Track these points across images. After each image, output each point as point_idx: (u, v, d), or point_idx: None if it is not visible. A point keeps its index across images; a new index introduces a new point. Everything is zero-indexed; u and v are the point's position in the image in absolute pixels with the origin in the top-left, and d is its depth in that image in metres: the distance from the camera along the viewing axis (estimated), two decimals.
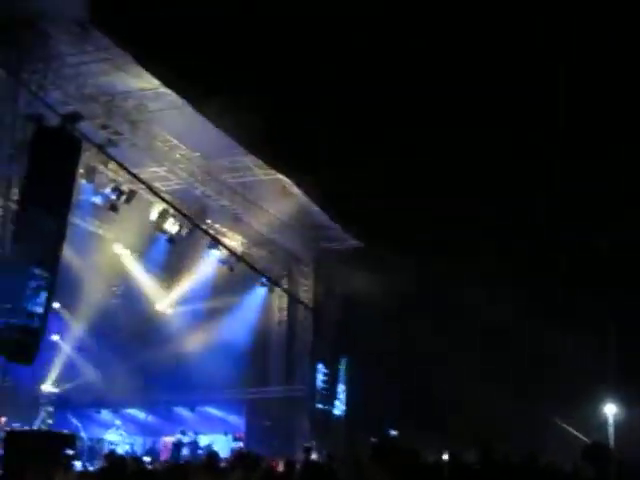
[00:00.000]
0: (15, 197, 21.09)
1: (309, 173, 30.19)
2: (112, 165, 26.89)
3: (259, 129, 25.60)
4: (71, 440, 22.91)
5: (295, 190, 32.00)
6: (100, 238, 32.74)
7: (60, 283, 21.46)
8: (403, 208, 31.46)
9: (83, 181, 26.16)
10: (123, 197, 28.13)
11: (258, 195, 32.55)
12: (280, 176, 31.02)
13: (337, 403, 36.65)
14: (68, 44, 22.60)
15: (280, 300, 38.09)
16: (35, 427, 28.49)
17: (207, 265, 34.36)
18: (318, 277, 37.73)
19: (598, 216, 32.46)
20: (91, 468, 23.18)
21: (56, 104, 21.26)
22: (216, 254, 33.17)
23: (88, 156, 25.41)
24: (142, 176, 26.40)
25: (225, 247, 31.80)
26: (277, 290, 36.66)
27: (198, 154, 29.65)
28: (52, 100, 21.70)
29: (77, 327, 33.46)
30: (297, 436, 35.50)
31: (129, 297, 35.36)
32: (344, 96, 28.62)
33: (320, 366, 36.35)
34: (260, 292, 36.35)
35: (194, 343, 35.27)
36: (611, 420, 33.05)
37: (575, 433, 32.11)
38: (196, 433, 32.27)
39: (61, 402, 31.82)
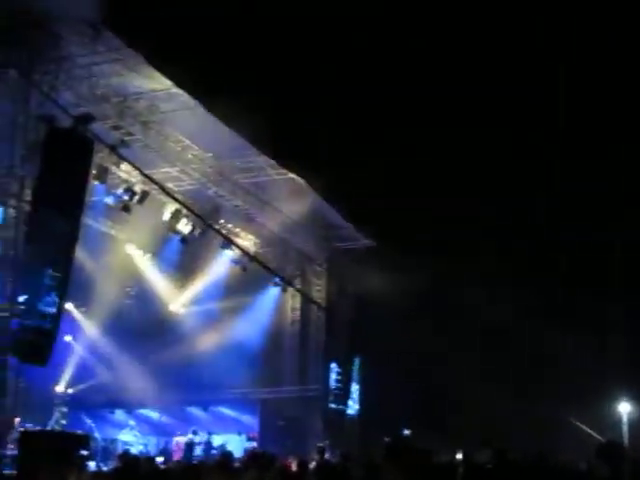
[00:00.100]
0: (28, 198, 21.11)
1: (321, 173, 30.18)
2: (124, 166, 26.92)
3: (271, 129, 25.60)
4: (85, 440, 22.95)
5: (308, 190, 31.97)
6: (113, 239, 32.79)
7: (73, 284, 21.52)
8: (414, 208, 31.42)
9: (95, 182, 26.16)
10: (136, 198, 28.13)
11: (271, 195, 32.55)
12: (293, 176, 31.01)
13: (350, 403, 36.64)
14: (80, 45, 22.63)
15: (293, 300, 38.09)
16: (49, 427, 28.53)
17: (220, 265, 34.36)
18: (331, 277, 37.71)
19: (598, 216, 32.39)
20: (105, 468, 23.19)
21: (68, 105, 21.30)
22: (229, 254, 33.16)
23: (100, 157, 25.44)
24: (155, 177, 26.46)
25: (238, 247, 31.81)
26: (290, 290, 36.65)
27: (210, 154, 29.65)
28: (64, 101, 21.75)
29: (90, 328, 33.50)
30: (310, 436, 35.46)
31: (142, 297, 35.40)
32: (354, 96, 28.62)
33: (333, 366, 36.35)
34: (273, 292, 36.33)
35: (207, 343, 35.28)
36: (625, 418, 32.98)
37: (589, 432, 32.02)
38: (210, 433, 32.27)
39: (75, 402, 31.82)
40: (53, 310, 20.04)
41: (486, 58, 28.88)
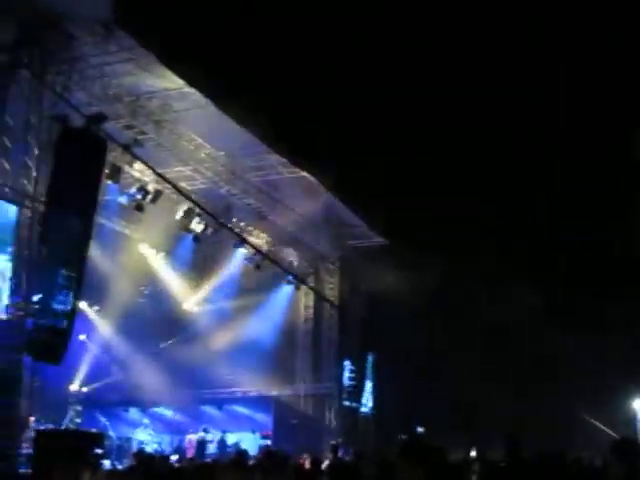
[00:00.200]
0: (42, 198, 21.17)
1: (333, 171, 30.20)
2: (137, 165, 26.98)
3: (282, 127, 25.63)
4: (99, 439, 23.04)
5: (320, 188, 32.00)
6: (126, 238, 32.85)
7: (87, 283, 21.57)
8: (426, 206, 31.42)
9: (108, 182, 26.22)
10: (149, 197, 28.18)
11: (283, 193, 32.60)
12: (304, 174, 31.03)
13: (364, 400, 36.65)
14: (92, 45, 22.70)
15: (306, 298, 38.13)
16: (64, 426, 28.62)
17: (233, 264, 34.40)
18: (344, 275, 37.74)
19: (598, 216, 32.34)
20: (119, 467, 23.26)
21: (81, 105, 21.33)
22: (242, 252, 33.20)
23: (113, 156, 25.49)
24: (167, 176, 26.50)
25: (251, 245, 31.85)
26: (303, 288, 36.67)
27: (223, 153, 29.70)
28: (77, 101, 21.79)
29: (104, 327, 33.60)
30: (324, 434, 35.53)
31: (156, 296, 35.47)
32: (365, 95, 28.64)
33: (347, 363, 36.38)
34: (286, 290, 36.35)
35: (221, 341, 35.34)
36: (639, 415, 32.94)
37: (604, 429, 31.99)
38: (224, 431, 32.33)
39: (89, 401, 31.93)
40: (67, 309, 20.08)
41: (486, 58, 28.86)
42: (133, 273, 33.44)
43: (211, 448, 31.37)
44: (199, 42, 23.25)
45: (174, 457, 26.56)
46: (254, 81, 25.36)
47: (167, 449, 31.68)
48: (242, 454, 16.38)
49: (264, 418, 35.39)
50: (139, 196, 28.08)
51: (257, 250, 32.23)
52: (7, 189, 21.56)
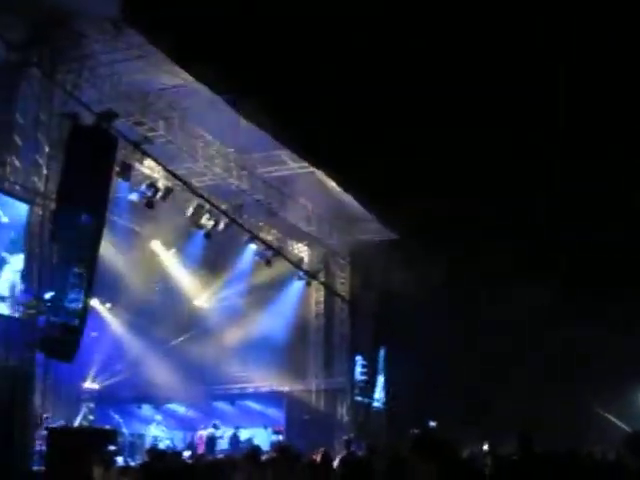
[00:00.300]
0: (53, 196, 21.23)
1: (344, 166, 30.20)
2: (147, 162, 27.01)
3: (292, 123, 25.65)
4: (112, 436, 23.10)
5: (330, 183, 32.02)
6: (137, 235, 32.90)
7: (98, 280, 21.62)
8: (437, 202, 31.41)
9: (119, 179, 26.26)
10: (159, 194, 28.21)
11: (294, 189, 32.63)
12: (314, 169, 31.06)
13: (376, 395, 36.67)
14: (102, 43, 22.73)
15: (317, 293, 38.14)
16: (77, 423, 28.73)
17: (244, 260, 34.44)
18: (355, 270, 37.73)
19: (598, 216, 32.31)
20: (132, 463, 23.32)
21: (91, 103, 21.38)
22: (253, 248, 33.22)
23: (124, 154, 25.54)
24: (178, 172, 26.54)
25: (262, 241, 31.86)
26: (314, 283, 36.67)
27: (233, 149, 29.73)
28: (87, 99, 21.83)
29: (116, 324, 33.71)
30: (336, 429, 35.56)
31: (168, 293, 35.55)
32: (375, 94, 28.65)
33: (358, 358, 36.40)
34: (297, 286, 36.34)
35: (233, 338, 35.41)
36: None
37: (617, 423, 31.99)
38: (236, 427, 32.41)
39: (102, 398, 32.05)
40: (79, 306, 20.15)
41: (486, 58, 28.82)
42: (144, 270, 33.52)
43: (221, 444, 31.46)
44: (208, 39, 23.27)
45: (187, 453, 26.66)
46: (264, 77, 25.37)
47: (180, 445, 31.77)
48: (255, 450, 16.45)
49: (276, 413, 35.52)
50: (149, 193, 28.07)
51: (268, 246, 32.25)
52: (18, 187, 21.63)
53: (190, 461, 21.25)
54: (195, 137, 28.30)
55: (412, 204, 30.54)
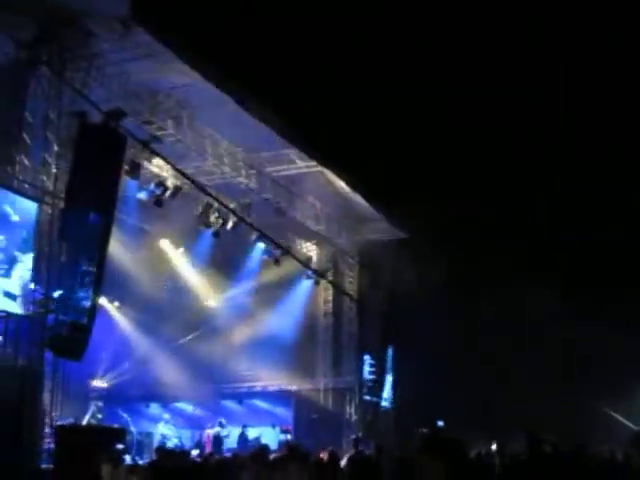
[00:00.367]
0: (61, 195, 21.26)
1: (352, 165, 30.19)
2: (156, 161, 27.05)
3: (301, 122, 25.65)
4: (121, 434, 23.13)
5: (339, 182, 32.03)
6: (146, 234, 32.93)
7: (107, 279, 21.62)
8: (446, 201, 31.40)
9: (127, 178, 26.29)
10: (168, 192, 28.24)
11: (302, 188, 32.66)
12: (323, 169, 31.08)
13: (384, 394, 36.65)
14: (110, 42, 22.75)
15: (326, 292, 38.16)
16: (85, 422, 28.78)
17: (253, 258, 34.47)
18: (363, 269, 37.73)
19: (598, 216, 32.27)
20: (140, 462, 23.37)
21: (100, 101, 21.37)
22: (261, 247, 33.25)
23: (132, 153, 25.58)
24: (186, 171, 26.56)
25: (270, 240, 31.86)
26: (323, 282, 36.69)
27: (241, 148, 29.77)
28: (96, 97, 21.83)
29: (125, 322, 33.76)
30: (345, 428, 35.59)
31: (176, 292, 35.58)
32: (382, 92, 28.63)
33: (367, 357, 36.38)
34: (306, 285, 36.37)
35: (241, 336, 35.46)
36: None
37: (624, 422, 31.95)
38: (244, 426, 32.42)
39: (110, 397, 32.10)
40: (88, 305, 20.13)
41: (486, 58, 28.80)
42: (153, 269, 33.57)
43: (227, 442, 31.48)
44: (217, 38, 23.26)
45: (195, 452, 26.71)
46: (273, 76, 25.36)
47: (188, 444, 31.82)
48: (263, 449, 16.48)
49: (284, 412, 35.51)
50: (158, 192, 28.12)
51: (276, 245, 32.26)
52: (27, 185, 21.67)
53: (198, 460, 21.29)
54: (204, 136, 28.33)
55: (421, 203, 30.54)
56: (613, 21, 27.19)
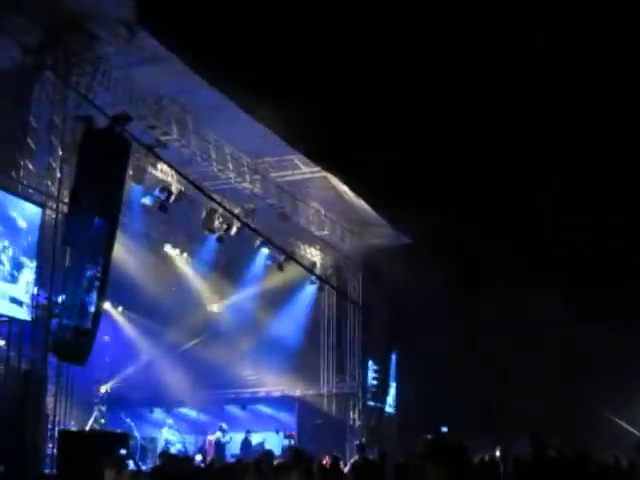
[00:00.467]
0: (66, 199, 21.26)
1: (356, 170, 30.21)
2: (161, 166, 27.08)
3: (305, 127, 25.65)
4: (124, 439, 23.09)
5: (343, 187, 32.04)
6: (150, 238, 32.91)
7: (112, 284, 21.63)
8: (448, 206, 31.41)
9: (132, 182, 26.32)
10: (172, 197, 28.27)
11: (306, 193, 32.67)
12: (327, 174, 31.10)
13: (388, 400, 36.63)
14: (115, 46, 22.75)
15: (329, 298, 38.13)
16: (88, 427, 28.75)
17: (257, 264, 34.49)
18: (367, 274, 37.71)
19: (598, 216, 32.27)
20: (144, 467, 23.34)
21: (105, 106, 21.38)
22: (265, 253, 33.28)
23: (137, 157, 25.61)
24: (190, 176, 26.55)
25: (274, 245, 31.87)
26: (326, 288, 36.68)
27: (246, 153, 29.78)
28: (101, 102, 21.84)
29: (128, 327, 33.75)
30: (348, 433, 35.58)
31: (180, 297, 35.55)
32: (387, 99, 28.65)
33: (370, 363, 36.38)
34: (309, 290, 36.40)
35: (245, 342, 35.45)
36: None
37: (628, 428, 31.88)
38: (248, 431, 32.38)
39: (114, 401, 32.08)
40: (92, 310, 20.14)
41: (486, 58, 28.84)
42: (157, 274, 33.54)
43: (229, 448, 31.45)
44: (222, 42, 23.30)
45: (198, 457, 26.70)
46: (277, 81, 25.40)
47: (191, 449, 31.81)
48: (267, 454, 16.45)
49: (288, 418, 35.48)
50: (163, 197, 28.15)
51: (280, 250, 32.27)
52: (31, 190, 21.67)
53: (202, 465, 21.28)
54: (208, 141, 28.34)
55: (424, 208, 30.54)
56: (613, 21, 27.25)
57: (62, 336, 20.05)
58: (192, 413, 36.02)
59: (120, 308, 33.14)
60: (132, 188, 26.84)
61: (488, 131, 31.09)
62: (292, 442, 32.37)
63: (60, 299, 20.37)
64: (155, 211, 29.15)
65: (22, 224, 20.66)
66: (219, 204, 28.78)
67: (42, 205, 21.48)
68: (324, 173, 31.13)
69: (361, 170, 30.03)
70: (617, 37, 28.10)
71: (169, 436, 31.60)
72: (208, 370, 34.32)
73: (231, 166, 29.61)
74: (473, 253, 33.15)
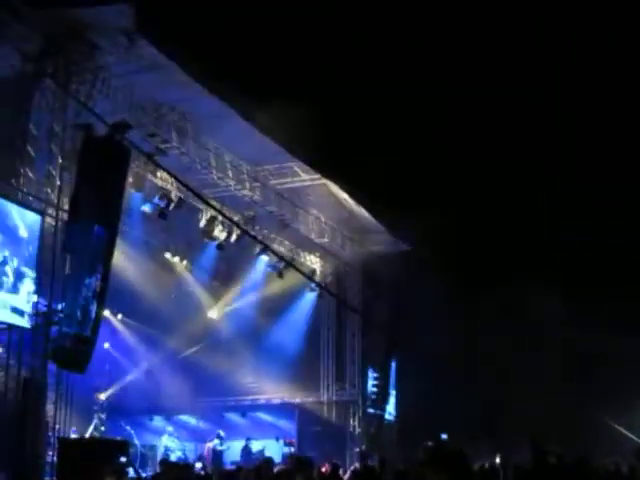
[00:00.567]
0: (65, 207, 21.28)
1: (356, 177, 30.24)
2: (160, 173, 27.11)
3: (305, 135, 25.69)
4: (124, 447, 23.07)
5: (342, 195, 32.06)
6: (150, 246, 32.92)
7: (111, 291, 21.64)
8: (449, 212, 31.42)
9: (132, 190, 26.36)
10: (172, 205, 28.29)
11: (306, 200, 32.68)
12: (326, 181, 31.13)
13: (388, 407, 36.61)
14: (115, 54, 22.79)
15: (329, 305, 38.10)
16: (88, 434, 28.74)
17: (256, 271, 34.51)
18: (367, 281, 37.69)
19: (598, 216, 32.29)
20: (144, 475, 23.32)
21: (104, 114, 21.40)
22: (265, 260, 33.30)
23: (137, 165, 25.65)
24: (190, 184, 26.56)
25: (274, 253, 31.88)
26: (326, 295, 36.66)
27: (245, 160, 29.80)
28: (100, 110, 21.86)
29: (129, 334, 33.76)
30: (348, 441, 35.56)
31: (180, 304, 35.55)
32: (387, 106, 28.69)
33: (370, 370, 36.36)
34: (309, 297, 36.38)
35: (244, 349, 35.42)
36: None
37: (628, 435, 31.85)
38: (248, 438, 32.37)
39: (114, 409, 32.07)
40: (92, 317, 20.14)
41: (486, 58, 28.90)
42: (157, 281, 33.55)
43: (225, 455, 31.44)
44: (221, 50, 23.37)
45: (198, 465, 26.69)
46: (276, 88, 25.46)
47: (191, 457, 31.79)
48: (268, 461, 16.45)
49: (288, 425, 35.49)
50: (162, 204, 28.18)
51: (280, 258, 32.28)
52: (31, 198, 21.68)
53: (202, 472, 21.26)
54: (208, 149, 28.35)
55: (424, 212, 30.55)
56: (613, 21, 27.31)
57: (62, 344, 20.06)
58: (192, 420, 36.02)
59: (120, 315, 33.14)
60: (132, 195, 26.89)
61: (488, 131, 31.13)
62: (292, 449, 32.38)
63: (60, 307, 20.38)
64: (155, 218, 29.18)
65: (23, 234, 20.67)
66: (219, 211, 28.80)
67: (42, 213, 21.48)
68: (324, 180, 31.15)
69: (360, 177, 30.07)
70: (617, 37, 28.17)
71: (169, 443, 31.60)
72: (208, 377, 34.33)
73: (231, 174, 29.62)
74: (473, 255, 33.15)
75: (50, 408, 21.52)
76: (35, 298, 20.85)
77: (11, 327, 20.56)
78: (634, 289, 31.80)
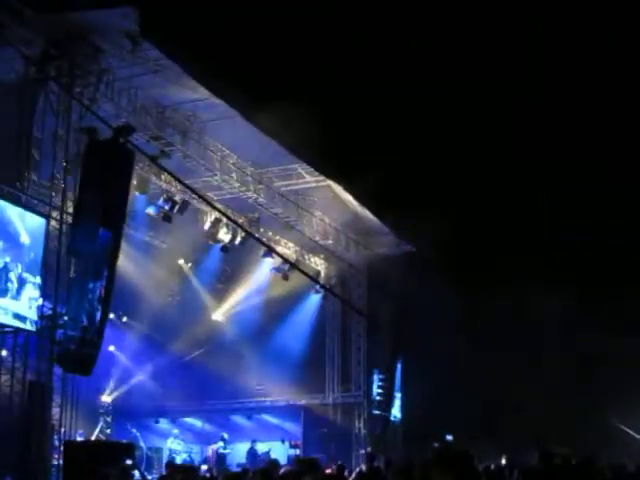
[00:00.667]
0: (70, 210, 21.29)
1: (360, 179, 30.21)
2: (165, 176, 27.13)
3: (309, 137, 25.68)
4: (130, 450, 23.08)
5: (347, 196, 32.03)
6: (155, 248, 32.96)
7: (116, 294, 21.65)
8: (454, 213, 31.39)
9: (136, 193, 26.37)
10: (176, 207, 28.31)
11: (310, 202, 32.66)
12: (331, 183, 31.11)
13: (393, 409, 36.55)
14: (119, 57, 22.81)
15: (334, 307, 38.08)
16: (94, 437, 28.76)
17: (261, 273, 34.52)
18: (371, 283, 37.65)
19: (598, 216, 32.24)
20: (149, 477, 23.35)
21: (108, 117, 21.44)
22: (270, 262, 33.29)
23: (141, 168, 25.67)
24: (194, 186, 26.59)
25: (279, 255, 31.87)
26: (331, 297, 36.65)
27: (249, 163, 29.80)
28: (104, 113, 21.90)
29: (134, 337, 33.76)
30: (354, 443, 35.53)
31: (185, 306, 35.58)
32: (391, 107, 28.69)
33: (376, 372, 36.31)
34: (314, 299, 36.39)
35: (250, 351, 35.42)
36: None
37: (633, 434, 31.81)
38: (253, 440, 32.38)
39: (119, 412, 32.10)
40: (97, 320, 20.16)
41: (486, 58, 28.89)
42: (161, 284, 33.59)
43: (229, 458, 31.46)
44: (225, 53, 23.37)
45: (204, 467, 26.70)
46: (281, 91, 25.44)
47: (197, 459, 31.80)
48: (273, 464, 16.43)
49: (293, 427, 35.48)
50: (167, 207, 28.22)
51: (285, 260, 32.26)
52: (35, 201, 21.69)
53: (208, 475, 21.25)
54: (212, 151, 28.35)
55: (427, 214, 30.52)
56: (613, 21, 27.29)
57: (67, 347, 20.09)
58: (197, 423, 36.05)
59: (125, 318, 33.13)
60: (136, 198, 26.91)
61: (488, 132, 31.10)
62: (298, 452, 32.37)
63: (65, 310, 20.39)
64: (159, 221, 29.20)
65: (25, 240, 20.65)
66: (223, 214, 28.82)
67: (46, 216, 21.49)
68: (328, 182, 31.14)
69: (365, 179, 30.03)
70: (617, 37, 28.15)
71: (175, 446, 31.62)
72: (213, 380, 34.33)
73: (235, 176, 29.62)
74: (477, 256, 33.13)
75: (56, 411, 21.53)
76: (40, 302, 20.85)
77: (17, 331, 20.59)
78: (634, 289, 31.71)
